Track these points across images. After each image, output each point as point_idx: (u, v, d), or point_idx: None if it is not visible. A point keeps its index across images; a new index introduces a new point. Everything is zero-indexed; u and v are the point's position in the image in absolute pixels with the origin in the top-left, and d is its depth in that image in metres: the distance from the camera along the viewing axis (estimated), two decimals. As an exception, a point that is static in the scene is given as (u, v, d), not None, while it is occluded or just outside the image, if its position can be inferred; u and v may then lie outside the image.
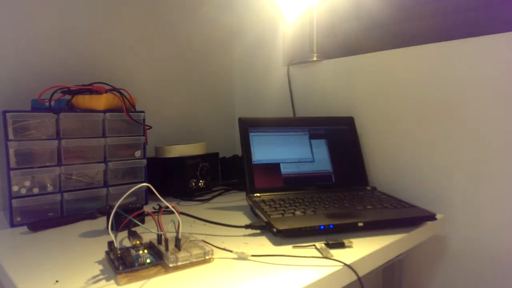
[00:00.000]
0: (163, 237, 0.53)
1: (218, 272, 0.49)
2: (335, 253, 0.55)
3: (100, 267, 0.51)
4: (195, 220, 0.72)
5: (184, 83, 1.21)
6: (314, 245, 0.58)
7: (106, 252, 0.54)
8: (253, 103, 1.30)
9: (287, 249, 0.57)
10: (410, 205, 0.73)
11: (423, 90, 0.86)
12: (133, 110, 0.87)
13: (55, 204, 0.75)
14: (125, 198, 0.52)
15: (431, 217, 0.68)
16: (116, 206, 0.50)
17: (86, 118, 0.79)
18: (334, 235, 0.62)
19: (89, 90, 0.81)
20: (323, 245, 0.58)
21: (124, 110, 0.82)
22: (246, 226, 0.65)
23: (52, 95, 0.78)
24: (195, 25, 1.22)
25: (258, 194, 0.80)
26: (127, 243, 0.59)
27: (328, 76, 1.06)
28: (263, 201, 0.75)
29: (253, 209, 0.76)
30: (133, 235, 0.59)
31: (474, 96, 0.78)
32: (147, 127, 0.88)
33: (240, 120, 0.87)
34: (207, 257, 0.52)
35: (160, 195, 0.53)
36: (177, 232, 0.52)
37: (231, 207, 0.85)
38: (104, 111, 0.81)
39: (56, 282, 0.47)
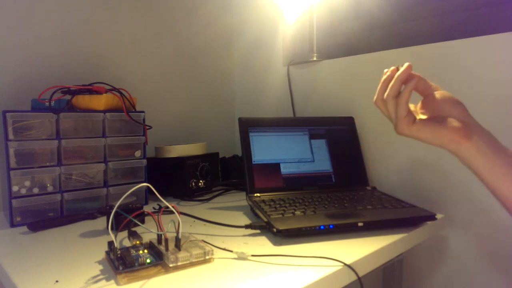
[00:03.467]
0: (163, 237, 0.53)
1: (218, 272, 0.49)
2: (335, 253, 0.55)
3: (100, 267, 0.51)
4: (195, 220, 0.72)
5: (184, 83, 1.21)
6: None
7: (106, 252, 0.54)
8: (253, 103, 1.30)
9: (287, 249, 0.57)
10: (410, 205, 0.73)
11: (423, 90, 0.86)
12: (133, 110, 0.87)
13: (55, 204, 0.75)
14: (125, 198, 0.52)
15: (431, 217, 0.68)
16: (116, 206, 0.50)
17: (86, 118, 0.79)
18: (334, 235, 0.62)
19: (89, 90, 0.81)
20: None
21: (124, 110, 0.82)
22: (246, 226, 0.65)
23: (52, 95, 0.78)
24: (195, 25, 1.22)
25: (258, 194, 0.80)
26: (127, 243, 0.59)
27: (328, 76, 1.06)
28: (263, 201, 0.75)
29: (253, 209, 0.76)
30: (133, 235, 0.59)
31: (474, 96, 0.78)
32: (147, 127, 0.88)
33: (240, 120, 0.87)
34: (207, 257, 0.52)
35: (160, 195, 0.53)
36: (177, 232, 0.52)
37: (231, 207, 0.85)
38: (104, 111, 0.81)
39: (56, 282, 0.47)
